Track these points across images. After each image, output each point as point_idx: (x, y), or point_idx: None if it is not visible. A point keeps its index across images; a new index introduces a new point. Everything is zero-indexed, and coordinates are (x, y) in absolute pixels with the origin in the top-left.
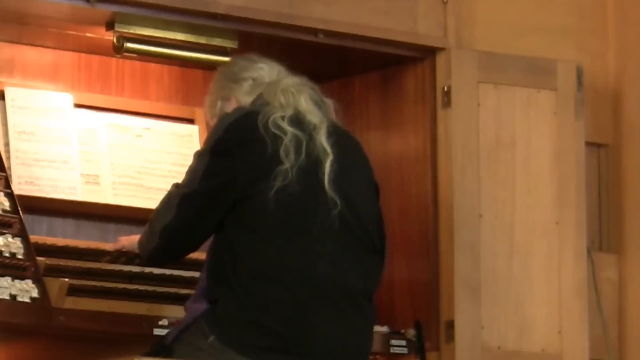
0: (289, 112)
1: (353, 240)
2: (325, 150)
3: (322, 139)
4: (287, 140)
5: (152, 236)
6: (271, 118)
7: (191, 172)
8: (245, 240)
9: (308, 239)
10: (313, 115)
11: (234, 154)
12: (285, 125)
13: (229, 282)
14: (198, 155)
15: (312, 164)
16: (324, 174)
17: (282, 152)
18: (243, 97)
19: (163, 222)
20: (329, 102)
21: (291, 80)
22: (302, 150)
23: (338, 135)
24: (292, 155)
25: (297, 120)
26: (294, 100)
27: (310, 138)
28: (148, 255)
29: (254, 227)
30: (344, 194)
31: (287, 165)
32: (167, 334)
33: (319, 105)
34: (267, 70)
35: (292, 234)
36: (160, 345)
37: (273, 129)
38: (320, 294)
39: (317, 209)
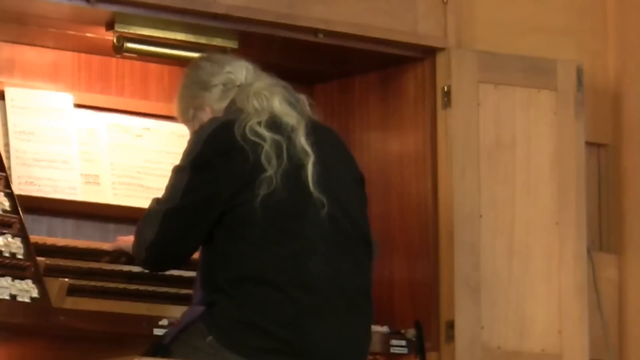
0: (264, 117)
1: (345, 237)
2: (305, 151)
3: (302, 140)
4: (267, 146)
5: (139, 249)
6: (248, 125)
7: (171, 188)
8: (236, 248)
9: (300, 241)
10: (289, 117)
11: (215, 167)
12: (263, 131)
13: (224, 289)
14: (178, 171)
15: (295, 167)
16: (307, 176)
17: (263, 159)
18: (216, 104)
19: (147, 239)
20: (303, 98)
21: (262, 83)
22: (283, 154)
23: (317, 133)
24: (274, 161)
25: (274, 124)
26: (268, 103)
27: (290, 141)
28: (140, 264)
29: (245, 235)
30: (330, 193)
31: (270, 172)
32: (165, 334)
33: (294, 104)
34: (235, 74)
35: (283, 237)
36: (159, 345)
37: (251, 137)
38: (316, 294)
39: (305, 211)
